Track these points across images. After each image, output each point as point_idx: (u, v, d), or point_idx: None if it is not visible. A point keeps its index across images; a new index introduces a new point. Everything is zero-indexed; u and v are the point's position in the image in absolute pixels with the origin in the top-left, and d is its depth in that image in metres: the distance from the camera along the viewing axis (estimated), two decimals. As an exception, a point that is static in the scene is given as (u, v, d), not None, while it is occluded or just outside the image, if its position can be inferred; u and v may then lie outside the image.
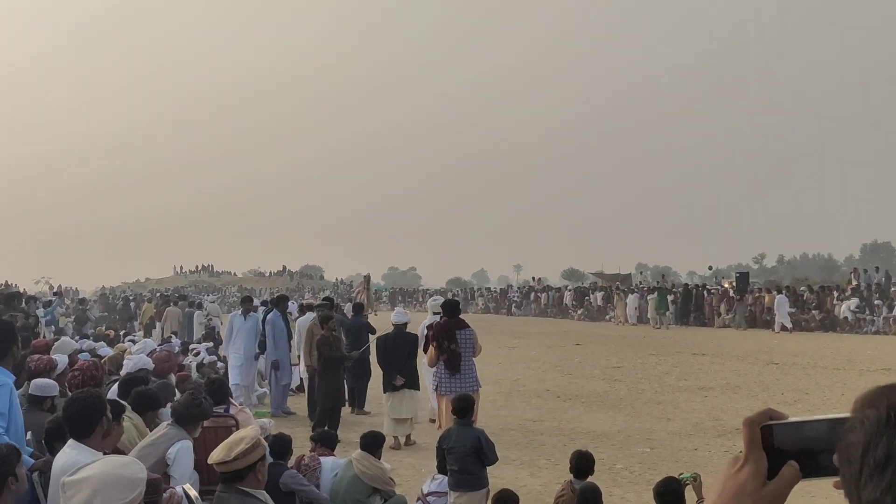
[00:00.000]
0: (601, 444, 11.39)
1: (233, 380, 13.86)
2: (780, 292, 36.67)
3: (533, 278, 61.24)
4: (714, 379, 17.93)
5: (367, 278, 29.33)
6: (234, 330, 14.67)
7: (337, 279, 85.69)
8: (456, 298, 12.49)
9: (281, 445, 7.67)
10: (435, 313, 12.61)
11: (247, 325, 14.74)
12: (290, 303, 17.41)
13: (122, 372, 8.67)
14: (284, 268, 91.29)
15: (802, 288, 38.43)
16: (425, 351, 10.74)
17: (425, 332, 11.68)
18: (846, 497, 0.90)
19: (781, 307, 32.72)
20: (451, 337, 9.81)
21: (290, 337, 14.61)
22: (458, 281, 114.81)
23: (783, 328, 32.13)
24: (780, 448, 1.08)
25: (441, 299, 13.74)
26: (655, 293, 37.60)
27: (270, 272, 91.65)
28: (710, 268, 58.84)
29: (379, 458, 8.02)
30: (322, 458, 8.05)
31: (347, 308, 18.08)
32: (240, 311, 15.15)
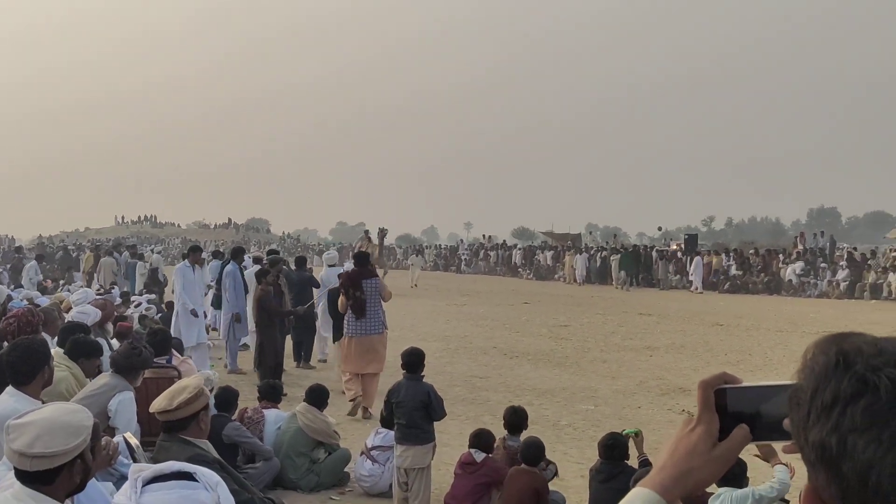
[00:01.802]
0: (546, 400, 11.49)
1: (188, 340, 12.27)
2: (727, 255, 37.30)
3: (483, 236, 61.34)
4: (659, 339, 18.19)
5: (383, 232, 27.21)
6: (183, 282, 13.23)
7: (284, 233, 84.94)
8: (366, 251, 13.05)
9: (226, 398, 7.59)
10: (329, 266, 14.73)
11: (196, 278, 13.44)
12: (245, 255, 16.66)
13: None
14: (230, 220, 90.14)
15: (750, 251, 39.08)
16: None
17: (326, 282, 13.71)
18: (794, 440, 0.93)
19: (697, 269, 34.43)
20: (356, 285, 10.67)
21: (246, 291, 14.06)
22: (407, 237, 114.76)
23: (696, 289, 33.50)
24: (733, 411, 1.11)
25: (335, 253, 15.68)
26: (619, 255, 37.73)
27: (215, 224, 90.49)
28: (660, 229, 59.64)
29: (323, 412, 7.98)
30: (266, 411, 7.99)
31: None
32: (187, 262, 13.54)
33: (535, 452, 6.35)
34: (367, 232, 28.79)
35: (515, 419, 6.98)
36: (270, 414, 7.97)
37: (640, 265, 37.50)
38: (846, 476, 0.84)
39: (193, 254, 13.58)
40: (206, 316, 14.25)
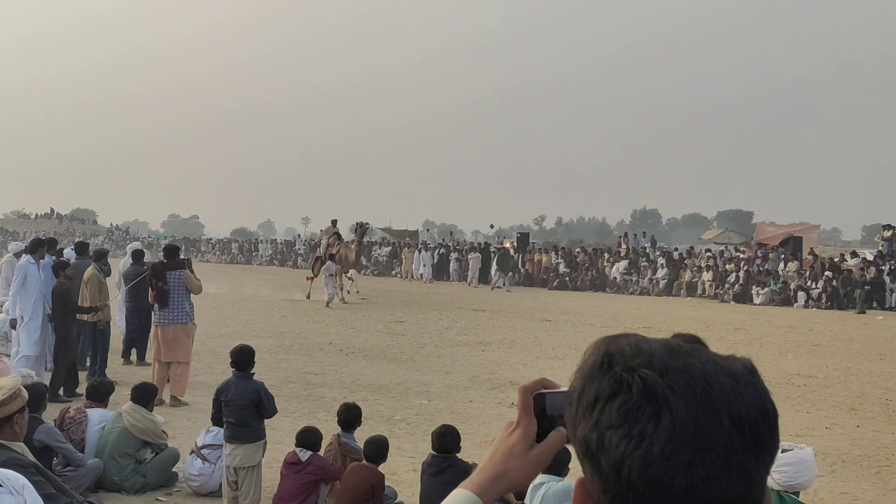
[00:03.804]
0: (381, 396, 11.58)
1: (26, 349, 11.06)
2: (556, 253, 38.66)
3: (321, 231, 60.83)
4: (492, 334, 18.67)
5: (363, 227, 26.19)
6: (26, 281, 11.35)
7: (112, 224, 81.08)
8: (175, 244, 13.05)
9: (34, 396, 7.19)
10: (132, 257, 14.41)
11: (42, 275, 11.53)
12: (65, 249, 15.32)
13: None
14: (52, 210, 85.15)
15: (577, 249, 40.68)
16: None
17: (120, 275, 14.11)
18: (570, 437, 0.97)
19: (473, 264, 36.44)
20: (160, 276, 11.17)
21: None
22: (243, 231, 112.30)
23: (497, 286, 34.79)
24: (551, 415, 1.15)
25: (138, 245, 15.46)
26: (496, 254, 37.60)
27: (37, 214, 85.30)
28: (492, 226, 61.03)
29: (151, 411, 7.73)
30: (89, 411, 7.66)
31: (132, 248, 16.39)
32: (31, 258, 11.63)
33: (377, 450, 6.40)
34: (334, 222, 27.04)
35: (348, 416, 7.01)
36: (94, 413, 7.64)
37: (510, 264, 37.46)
38: (604, 470, 0.89)
39: (34, 249, 11.85)
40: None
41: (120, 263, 15.01)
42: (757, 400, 0.89)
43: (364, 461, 6.37)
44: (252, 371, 6.95)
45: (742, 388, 0.89)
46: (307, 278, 27.24)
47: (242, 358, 6.91)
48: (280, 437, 8.41)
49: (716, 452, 0.85)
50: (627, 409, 0.87)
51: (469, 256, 38.70)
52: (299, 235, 68.67)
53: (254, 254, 58.31)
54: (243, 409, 6.70)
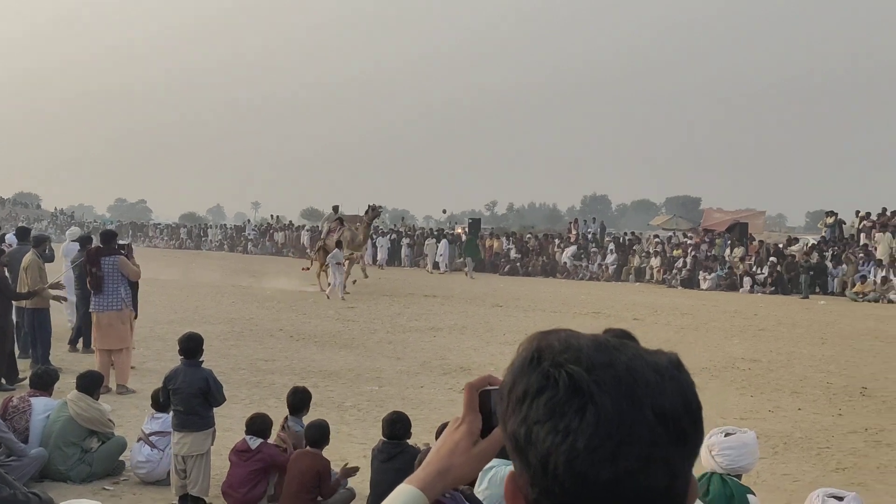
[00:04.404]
0: (332, 382, 11.57)
1: None
2: (507, 238, 38.88)
3: (271, 216, 60.31)
4: (443, 320, 18.73)
5: (376, 210, 24.47)
6: None
7: (56, 208, 79.44)
8: (112, 230, 12.94)
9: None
10: (72, 241, 14.62)
11: None
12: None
13: None
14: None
15: (528, 235, 40.93)
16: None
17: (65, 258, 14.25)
18: (502, 431, 0.97)
19: (441, 250, 36.50)
20: (94, 262, 11.05)
21: None
22: (191, 216, 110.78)
23: (436, 267, 35.49)
24: (496, 412, 1.15)
25: (78, 230, 15.63)
26: (465, 239, 37.51)
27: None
28: (444, 212, 61.07)
29: (97, 399, 7.63)
30: (33, 400, 7.53)
31: (71, 233, 15.87)
32: None
33: (318, 434, 6.40)
34: (336, 209, 25.87)
35: (296, 399, 7.00)
36: (39, 402, 7.51)
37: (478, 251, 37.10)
38: (532, 464, 0.90)
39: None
40: None
41: (62, 248, 14.79)
42: (681, 394, 0.91)
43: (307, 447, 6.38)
44: (201, 359, 6.90)
45: (666, 383, 0.90)
46: (303, 269, 25.98)
47: (190, 346, 6.86)
48: (229, 425, 8.35)
49: (640, 446, 0.87)
50: (554, 405, 0.89)
51: (426, 242, 38.66)
52: (249, 220, 67.99)
53: (203, 239, 57.60)
54: (191, 398, 6.65)
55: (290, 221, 56.73)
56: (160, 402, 7.28)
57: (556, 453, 0.87)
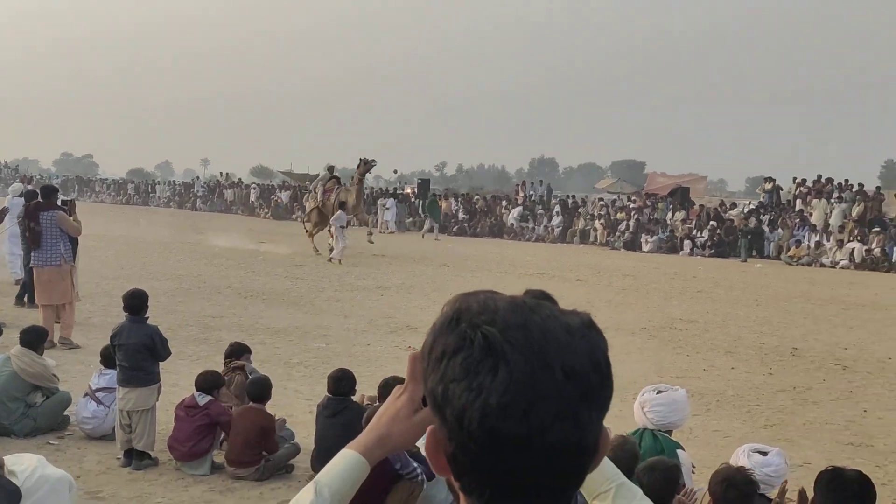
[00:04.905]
0: (279, 339, 11.66)
1: None
2: (456, 199, 39.00)
3: (220, 173, 59.55)
4: (391, 279, 18.86)
5: (368, 164, 22.84)
6: None
7: (1, 162, 77.19)
8: (52, 185, 12.89)
9: None
10: (17, 196, 14.50)
11: None
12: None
13: None
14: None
15: (476, 196, 41.10)
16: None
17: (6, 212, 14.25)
18: (424, 390, 1.02)
19: (391, 210, 36.98)
20: (33, 217, 11.04)
21: None
22: (139, 172, 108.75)
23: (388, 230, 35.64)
24: None
25: (20, 186, 15.66)
26: (428, 200, 37.02)
27: None
28: (395, 171, 60.85)
29: (41, 354, 7.64)
30: (-24, 356, 7.52)
31: (14, 189, 15.67)
32: None
33: (260, 390, 6.52)
34: (331, 169, 24.24)
35: (133, 302, 6.96)
36: (-20, 358, 7.50)
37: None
38: (449, 420, 0.94)
39: None
40: None
41: (7, 202, 14.59)
42: (590, 353, 0.95)
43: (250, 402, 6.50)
44: (146, 315, 6.93)
45: (576, 342, 0.94)
46: (308, 234, 24.27)
47: (135, 302, 6.87)
48: (176, 381, 8.42)
49: (550, 402, 0.91)
50: (469, 363, 0.92)
51: (379, 202, 38.42)
52: (198, 177, 66.97)
53: (151, 195, 56.77)
54: (136, 353, 6.68)
55: (240, 179, 56.20)
56: (109, 357, 7.32)
57: (471, 410, 0.91)
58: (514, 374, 0.91)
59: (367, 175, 24.98)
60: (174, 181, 64.70)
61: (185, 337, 11.24)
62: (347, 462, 1.32)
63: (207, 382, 6.66)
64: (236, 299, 15.10)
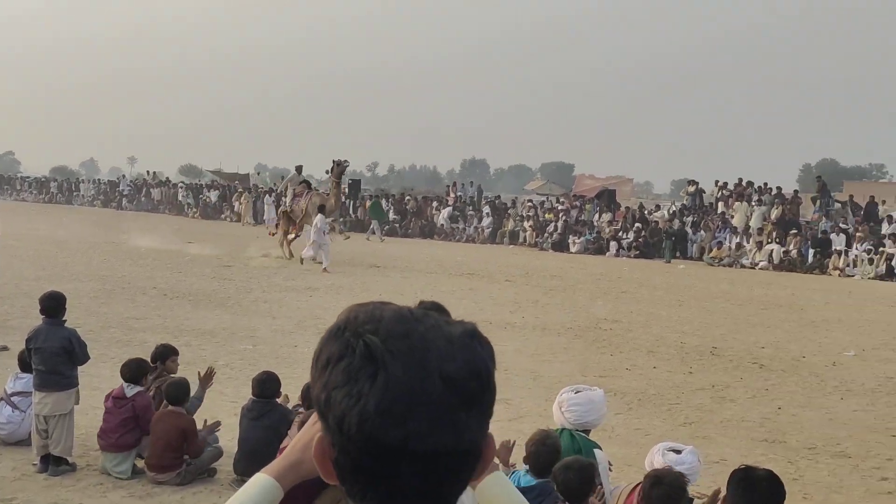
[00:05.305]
0: (205, 341, 11.53)
1: None
2: (387, 199, 38.99)
3: (147, 172, 58.36)
4: (320, 280, 18.77)
5: (341, 165, 21.91)
6: None
7: None
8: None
9: None
10: None
11: None
12: None
13: None
14: None
15: (407, 197, 41.12)
16: None
17: None
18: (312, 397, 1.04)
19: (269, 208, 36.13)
20: None
21: None
22: (63, 170, 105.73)
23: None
24: None
25: None
26: (370, 201, 36.78)
27: None
28: (327, 172, 60.43)
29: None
30: None
31: None
32: None
33: (178, 392, 6.46)
34: (299, 169, 23.46)
35: (50, 303, 6.91)
36: None
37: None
38: (331, 426, 0.97)
39: None
40: None
41: None
42: (469, 361, 0.98)
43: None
44: (63, 317, 6.79)
45: (456, 351, 0.97)
46: (270, 234, 23.74)
47: (51, 304, 6.72)
48: (97, 384, 8.28)
49: (427, 408, 0.94)
50: (349, 371, 0.96)
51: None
52: (124, 176, 65.49)
53: (75, 194, 55.25)
54: (53, 357, 6.55)
55: (168, 178, 55.08)
56: (26, 362, 7.16)
57: (350, 415, 0.94)
58: (392, 380, 0.94)
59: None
60: (99, 180, 63.11)
61: (108, 339, 11.05)
62: (261, 486, 1.33)
63: (132, 371, 6.58)
64: (162, 300, 14.87)
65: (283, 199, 23.71)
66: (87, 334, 7.06)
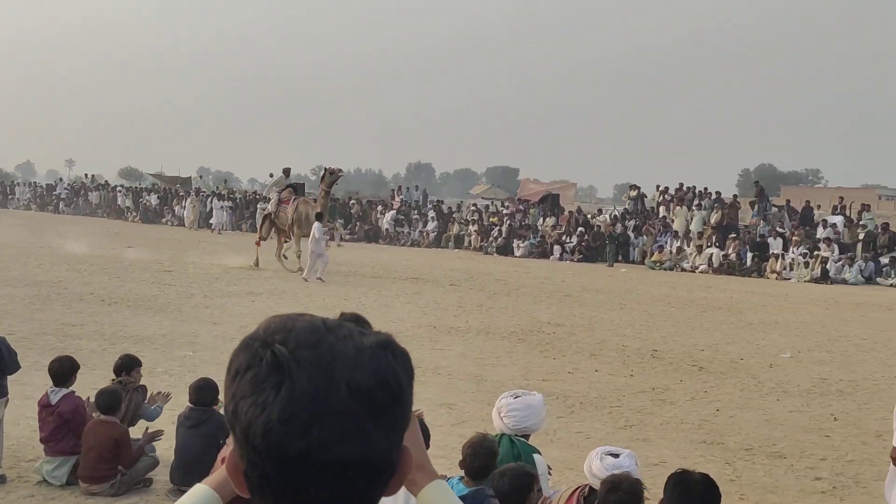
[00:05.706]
0: (144, 347, 11.31)
1: None
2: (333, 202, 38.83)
3: (86, 175, 57.20)
4: (263, 285, 18.60)
5: (333, 174, 21.20)
6: None
7: None
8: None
9: None
10: None
11: None
12: None
13: None
14: None
15: (352, 201, 40.98)
16: None
17: None
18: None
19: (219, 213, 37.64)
20: None
21: None
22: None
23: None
24: None
25: None
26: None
27: None
28: (271, 175, 59.90)
29: None
30: None
31: None
32: None
33: (110, 401, 6.33)
34: (287, 172, 22.60)
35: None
36: None
37: (247, 211, 37.13)
38: (239, 436, 0.96)
39: None
40: None
41: None
42: (378, 371, 0.97)
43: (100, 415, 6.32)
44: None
45: (365, 361, 0.97)
46: (256, 243, 22.57)
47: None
48: (30, 393, 8.07)
49: (332, 418, 0.93)
50: (256, 381, 0.95)
51: (259, 206, 37.49)
52: (62, 179, 64.10)
53: (10, 197, 53.87)
54: (-19, 366, 6.40)
55: (107, 181, 54.08)
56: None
57: (255, 425, 0.93)
58: (296, 390, 0.93)
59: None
60: (35, 182, 61.70)
61: (43, 346, 10.78)
62: (200, 495, 1.32)
63: (58, 370, 6.44)
64: (99, 306, 14.57)
65: (264, 203, 22.71)
66: (20, 342, 6.88)
